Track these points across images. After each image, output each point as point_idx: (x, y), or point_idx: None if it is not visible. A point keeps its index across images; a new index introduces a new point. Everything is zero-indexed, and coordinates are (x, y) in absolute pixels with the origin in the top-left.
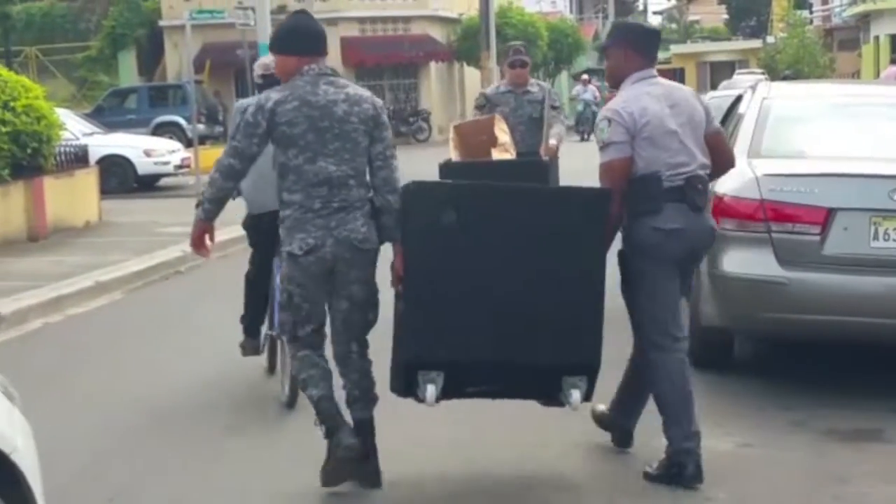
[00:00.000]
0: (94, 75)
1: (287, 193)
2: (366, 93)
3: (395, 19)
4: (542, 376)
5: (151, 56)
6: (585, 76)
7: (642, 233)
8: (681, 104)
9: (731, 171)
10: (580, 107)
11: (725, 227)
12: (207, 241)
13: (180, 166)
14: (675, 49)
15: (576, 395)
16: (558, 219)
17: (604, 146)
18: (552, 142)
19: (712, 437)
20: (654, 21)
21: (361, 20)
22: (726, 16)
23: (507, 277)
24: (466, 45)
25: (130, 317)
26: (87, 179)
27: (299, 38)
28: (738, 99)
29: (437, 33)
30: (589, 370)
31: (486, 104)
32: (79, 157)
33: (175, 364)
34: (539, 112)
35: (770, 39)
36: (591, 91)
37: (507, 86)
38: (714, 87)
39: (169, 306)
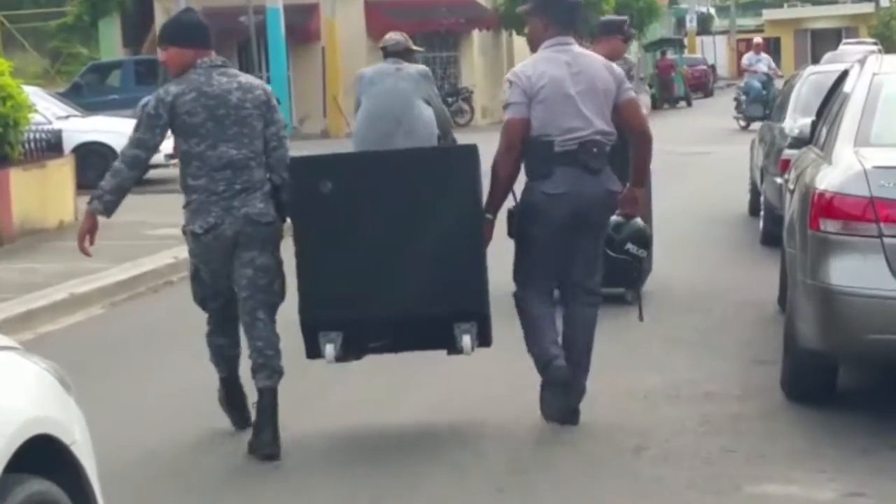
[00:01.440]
0: (70, 47)
1: (192, 179)
2: (256, 80)
3: None
4: (435, 325)
5: (138, 24)
6: (759, 40)
7: (531, 195)
8: (585, 71)
9: (836, 162)
10: (755, 82)
11: (827, 230)
12: (88, 243)
13: (172, 156)
14: (769, 14)
15: (466, 339)
16: (426, 176)
17: (505, 106)
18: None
19: (812, 485)
20: None
21: None
22: None
23: (390, 236)
24: (514, 6)
25: (112, 335)
26: (62, 171)
27: (194, 32)
28: (844, 75)
29: None
30: (477, 316)
31: None
32: (52, 145)
33: (166, 392)
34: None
35: (884, 3)
36: (765, 61)
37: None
38: (816, 60)
39: (157, 323)
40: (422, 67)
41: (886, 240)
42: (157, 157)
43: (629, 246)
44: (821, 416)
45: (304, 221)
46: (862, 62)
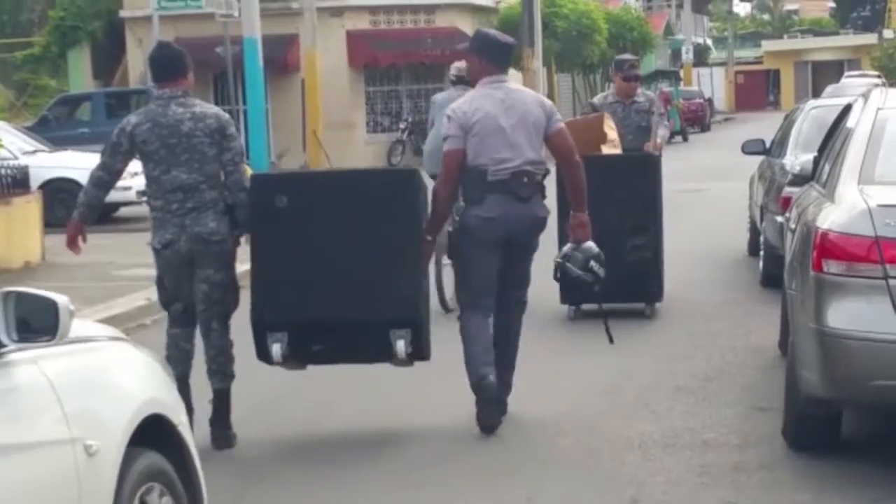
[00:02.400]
0: (37, 79)
1: (152, 199)
2: (211, 110)
3: (415, 8)
4: (373, 331)
5: (109, 55)
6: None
7: (467, 218)
8: (516, 106)
9: (839, 201)
10: None
11: (830, 271)
12: (80, 242)
13: (144, 193)
14: (768, 46)
15: (400, 344)
16: (371, 195)
17: (444, 139)
18: (658, 141)
19: None
20: (743, 10)
21: (373, 9)
22: (832, 4)
23: (335, 247)
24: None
25: None
26: (28, 209)
27: (155, 68)
28: (847, 109)
29: (468, 26)
30: (412, 323)
31: (593, 112)
32: (18, 182)
33: None
34: (647, 121)
35: (888, 34)
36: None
37: (616, 96)
38: (817, 93)
39: None
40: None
41: (892, 281)
42: (129, 195)
43: (592, 264)
44: (825, 466)
45: (260, 232)
46: (866, 96)
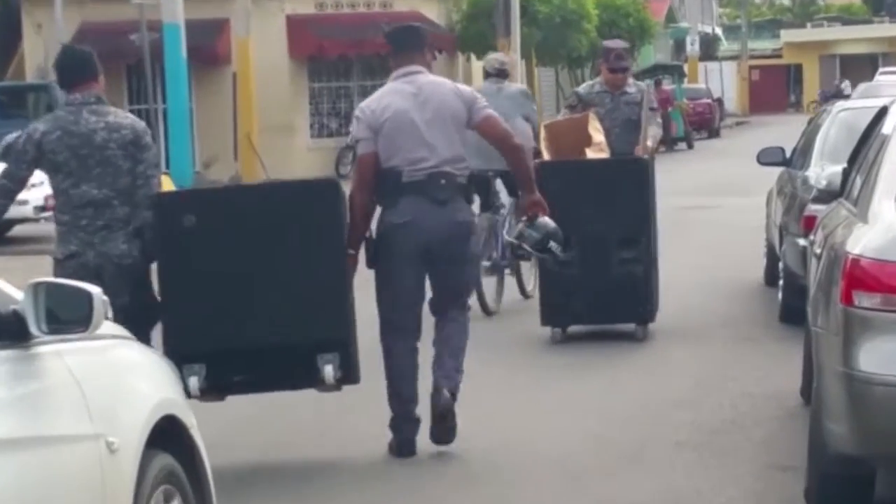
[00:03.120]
0: None
1: (59, 213)
2: (127, 119)
3: None
4: (298, 357)
5: (3, 45)
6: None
7: (381, 225)
8: (431, 100)
9: (873, 221)
10: None
11: (863, 305)
12: None
13: (43, 208)
14: (788, 36)
15: (328, 369)
16: (288, 209)
17: (355, 142)
18: (648, 142)
19: None
20: None
21: None
22: None
23: (252, 268)
24: (475, 29)
25: None
26: None
27: (61, 73)
28: (882, 113)
29: (432, 12)
30: (339, 346)
31: (579, 104)
32: None
33: None
34: (637, 114)
35: None
36: None
37: (603, 85)
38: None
39: None
40: (523, 87)
41: None
42: (26, 210)
43: (552, 244)
44: None
45: (167, 255)
46: None
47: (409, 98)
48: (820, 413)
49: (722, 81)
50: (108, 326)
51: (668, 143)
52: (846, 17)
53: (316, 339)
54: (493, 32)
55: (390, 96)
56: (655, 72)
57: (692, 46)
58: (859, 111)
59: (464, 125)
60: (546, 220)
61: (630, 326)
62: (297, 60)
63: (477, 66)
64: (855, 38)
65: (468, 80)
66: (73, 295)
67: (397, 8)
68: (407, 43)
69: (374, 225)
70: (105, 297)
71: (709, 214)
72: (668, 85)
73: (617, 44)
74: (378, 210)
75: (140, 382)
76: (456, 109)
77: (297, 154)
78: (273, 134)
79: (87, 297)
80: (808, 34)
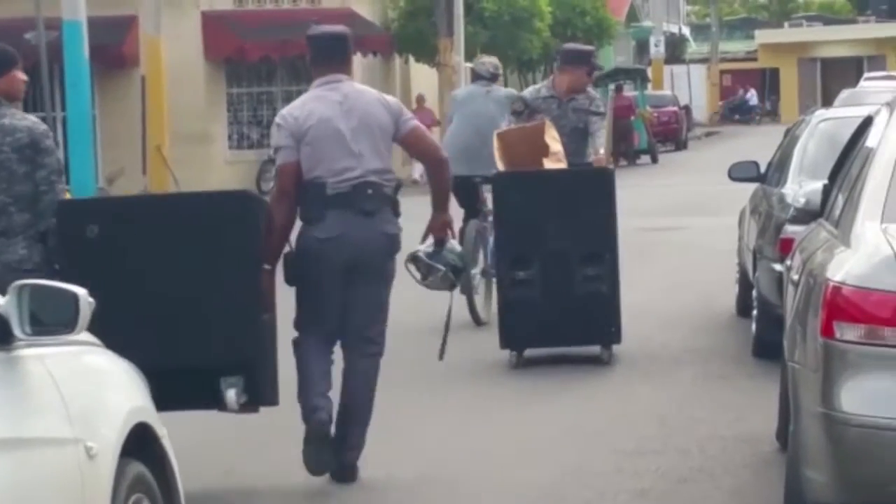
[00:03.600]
0: None
1: None
2: (24, 122)
3: None
4: (200, 379)
5: None
6: None
7: (304, 240)
8: (357, 109)
9: (857, 244)
10: None
11: (845, 338)
12: None
13: None
14: (763, 37)
15: (231, 394)
16: (197, 222)
17: (274, 151)
18: (601, 152)
19: None
20: None
21: None
22: None
23: (156, 284)
24: (413, 28)
25: None
26: None
27: None
28: (867, 123)
29: (365, 8)
30: (245, 368)
31: (525, 110)
32: None
33: None
34: (584, 122)
35: None
36: None
37: (550, 90)
38: (828, 100)
39: None
40: (511, 91)
41: None
42: None
43: (452, 257)
44: None
45: (68, 266)
46: (891, 106)
47: (334, 106)
48: (797, 459)
49: (690, 87)
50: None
51: (630, 156)
52: (828, 17)
53: (217, 362)
54: (434, 32)
55: (314, 103)
56: (616, 76)
57: (656, 48)
58: (842, 121)
59: (390, 135)
60: (452, 248)
61: (595, 349)
62: (213, 62)
63: (417, 67)
64: (838, 39)
65: (406, 83)
66: (58, 296)
67: (326, 4)
68: (331, 51)
69: (294, 238)
70: (91, 300)
71: (675, 236)
72: (629, 91)
73: (574, 46)
74: (299, 224)
75: (114, 389)
76: (382, 119)
77: (213, 167)
78: (187, 144)
79: (73, 298)
80: (786, 35)
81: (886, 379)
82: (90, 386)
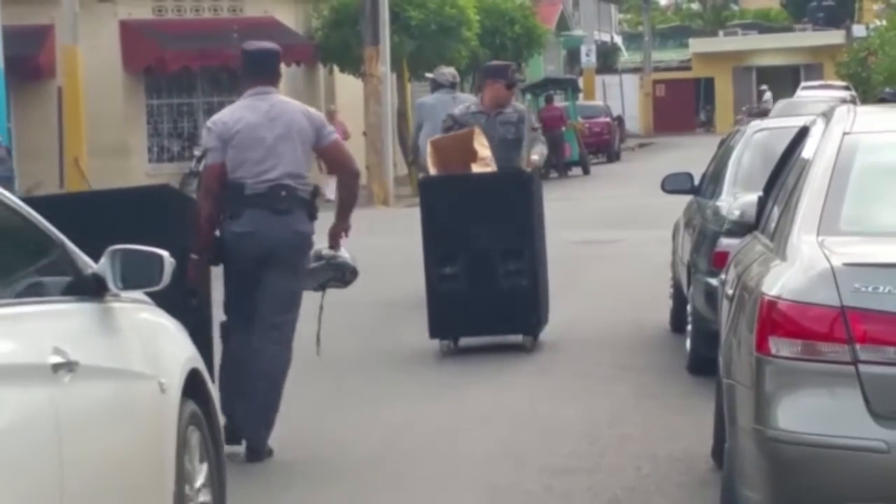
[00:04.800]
0: None
1: None
2: None
3: None
4: None
5: None
6: None
7: (224, 233)
8: (281, 118)
9: (793, 257)
10: None
11: (780, 354)
12: None
13: None
14: (697, 46)
15: None
16: (119, 219)
17: (203, 152)
18: (534, 157)
19: None
20: None
21: None
22: None
23: None
24: (338, 37)
25: None
26: None
27: None
28: (803, 134)
29: (289, 17)
30: None
31: (455, 125)
32: None
33: None
34: (513, 133)
35: (859, 31)
36: None
37: (479, 106)
38: (764, 111)
39: None
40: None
41: (864, 367)
42: None
43: (342, 260)
44: None
45: None
46: (827, 116)
47: (261, 115)
48: (733, 478)
49: (622, 97)
50: (140, 295)
51: (561, 167)
52: (764, 25)
53: None
54: (359, 41)
55: (242, 111)
56: (546, 87)
57: (588, 57)
58: (777, 132)
59: (310, 144)
60: (345, 254)
61: (516, 338)
62: (132, 73)
63: (342, 78)
64: (774, 47)
65: (330, 93)
66: (146, 257)
67: (248, 13)
68: (263, 65)
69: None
70: (172, 260)
71: (607, 250)
72: (560, 101)
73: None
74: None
75: (173, 339)
76: (304, 128)
77: (133, 180)
78: (105, 157)
79: (159, 258)
80: (721, 43)
81: (823, 395)
82: (157, 335)
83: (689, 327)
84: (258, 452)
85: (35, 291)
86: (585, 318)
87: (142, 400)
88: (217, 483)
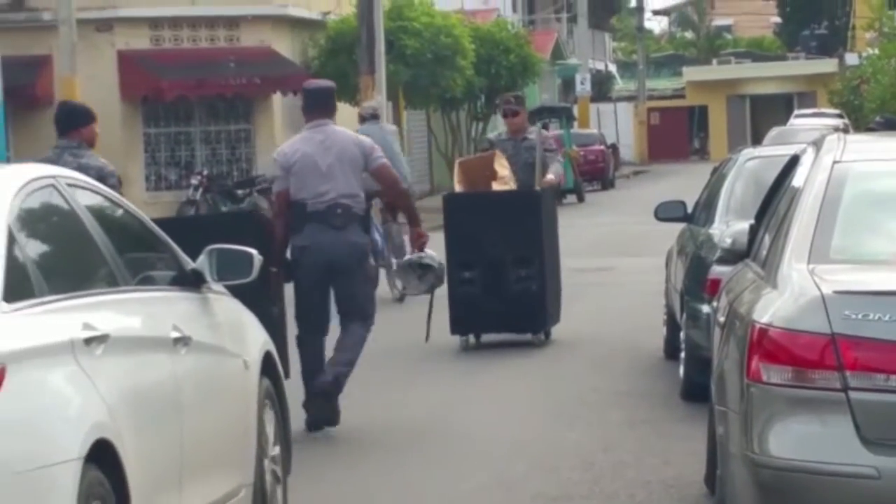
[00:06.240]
0: None
1: None
2: (96, 163)
3: (211, 21)
4: None
5: None
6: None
7: (290, 248)
8: (334, 147)
9: (783, 285)
10: None
11: (771, 381)
12: None
13: None
14: (691, 74)
15: None
16: (214, 237)
17: (272, 181)
18: (549, 176)
19: None
20: (658, 26)
21: (154, 22)
22: (777, 18)
23: None
24: (334, 66)
25: None
26: None
27: (56, 122)
28: (794, 162)
29: (286, 45)
30: None
31: (491, 148)
32: None
33: None
34: (532, 157)
35: (852, 59)
36: None
37: (508, 133)
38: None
39: None
40: (394, 126)
41: (854, 394)
42: None
43: (430, 260)
44: None
45: None
46: (817, 144)
47: (317, 145)
48: (723, 500)
49: (617, 125)
50: (223, 289)
51: (557, 195)
52: (757, 53)
53: None
54: (355, 70)
55: (300, 143)
56: (541, 115)
57: (582, 86)
58: (769, 160)
59: (361, 168)
60: (431, 253)
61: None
62: (130, 102)
63: (337, 106)
64: (767, 76)
65: None
66: (239, 255)
67: (245, 43)
68: (320, 101)
69: None
70: (260, 257)
71: (601, 277)
72: (555, 129)
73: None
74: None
75: (251, 324)
76: (354, 155)
77: None
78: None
79: (250, 255)
80: (714, 72)
81: (814, 422)
82: (240, 321)
83: (683, 354)
84: (330, 420)
85: (150, 282)
86: (580, 344)
87: (232, 373)
88: (284, 441)
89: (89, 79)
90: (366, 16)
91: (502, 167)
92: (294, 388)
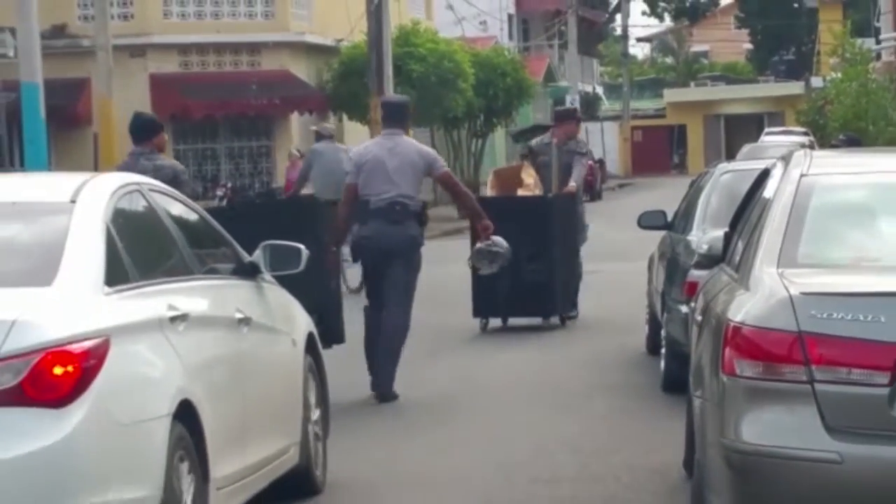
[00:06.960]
0: None
1: None
2: (169, 163)
3: (235, 48)
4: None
5: None
6: None
7: (354, 237)
8: (400, 153)
9: (755, 287)
10: None
11: (744, 374)
12: None
13: None
14: (672, 96)
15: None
16: (282, 219)
17: (347, 175)
18: (572, 184)
19: None
20: (641, 52)
21: (183, 48)
22: (749, 45)
23: None
24: (346, 88)
25: None
26: None
27: (131, 132)
28: (764, 175)
29: (303, 69)
30: (320, 309)
31: (529, 154)
32: None
33: None
34: (571, 162)
35: (817, 82)
36: None
37: (551, 139)
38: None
39: None
40: (347, 146)
41: (819, 386)
42: None
43: (498, 248)
44: None
45: None
46: (786, 159)
47: (386, 150)
48: (702, 487)
49: (603, 142)
50: (272, 279)
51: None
52: (731, 77)
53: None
54: (366, 91)
55: (373, 146)
56: (534, 132)
57: (572, 106)
58: (742, 173)
59: (422, 174)
60: (500, 239)
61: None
62: (160, 121)
63: (350, 126)
64: (740, 97)
65: (339, 139)
66: (289, 249)
67: (265, 66)
68: (394, 114)
69: None
70: (307, 252)
71: (589, 280)
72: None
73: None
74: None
75: (296, 308)
76: (416, 162)
77: None
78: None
79: (298, 249)
80: (692, 94)
81: (782, 411)
82: (288, 305)
83: (663, 350)
84: (387, 396)
85: (214, 272)
86: (569, 341)
87: (284, 350)
88: (323, 408)
89: (124, 100)
90: (376, 42)
91: (528, 176)
92: (345, 356)
